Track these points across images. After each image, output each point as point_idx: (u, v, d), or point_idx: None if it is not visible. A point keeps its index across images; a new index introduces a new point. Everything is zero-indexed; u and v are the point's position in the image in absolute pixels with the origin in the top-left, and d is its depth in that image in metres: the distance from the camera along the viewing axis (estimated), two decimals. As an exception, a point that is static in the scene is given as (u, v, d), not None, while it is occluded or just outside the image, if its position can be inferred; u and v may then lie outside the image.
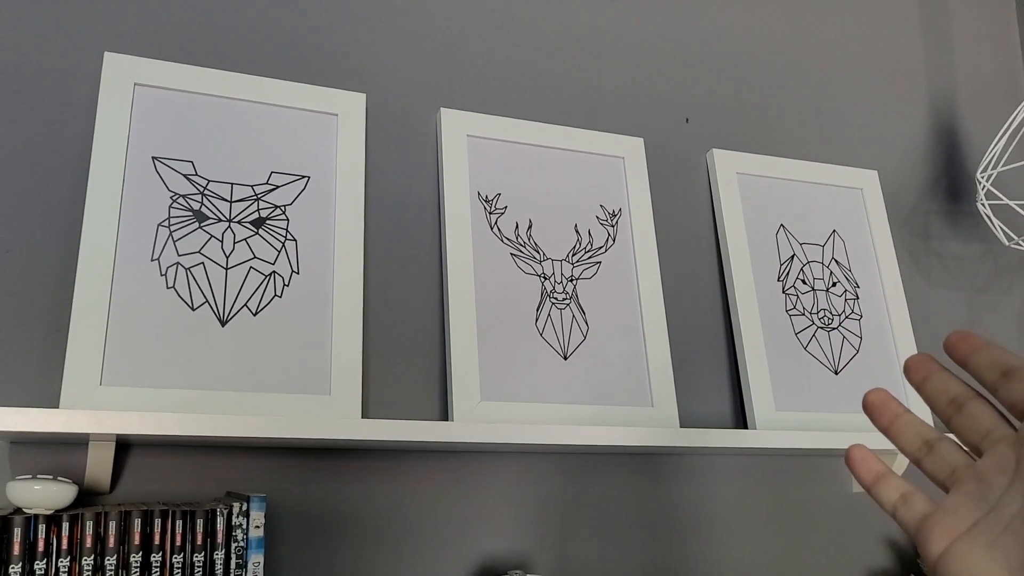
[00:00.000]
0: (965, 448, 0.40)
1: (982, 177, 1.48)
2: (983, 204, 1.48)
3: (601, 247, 1.30)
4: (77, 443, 1.02)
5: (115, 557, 0.86)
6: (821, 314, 1.42)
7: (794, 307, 1.41)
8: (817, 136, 1.58)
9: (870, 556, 1.40)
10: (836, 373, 1.39)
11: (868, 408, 0.42)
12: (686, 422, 1.32)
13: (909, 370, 0.42)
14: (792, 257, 1.44)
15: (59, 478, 0.89)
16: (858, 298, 1.46)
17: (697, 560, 1.29)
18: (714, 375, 1.37)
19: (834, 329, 1.42)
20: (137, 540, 0.87)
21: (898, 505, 0.40)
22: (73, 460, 1.02)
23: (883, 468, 0.42)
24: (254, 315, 1.09)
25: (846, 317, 1.44)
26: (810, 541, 1.37)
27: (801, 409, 1.34)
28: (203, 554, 0.90)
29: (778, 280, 1.41)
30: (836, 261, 1.47)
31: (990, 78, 1.79)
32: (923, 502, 0.40)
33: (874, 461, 0.42)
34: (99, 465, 0.98)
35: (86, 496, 1.02)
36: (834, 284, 1.45)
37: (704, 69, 1.53)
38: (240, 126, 1.16)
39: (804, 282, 1.43)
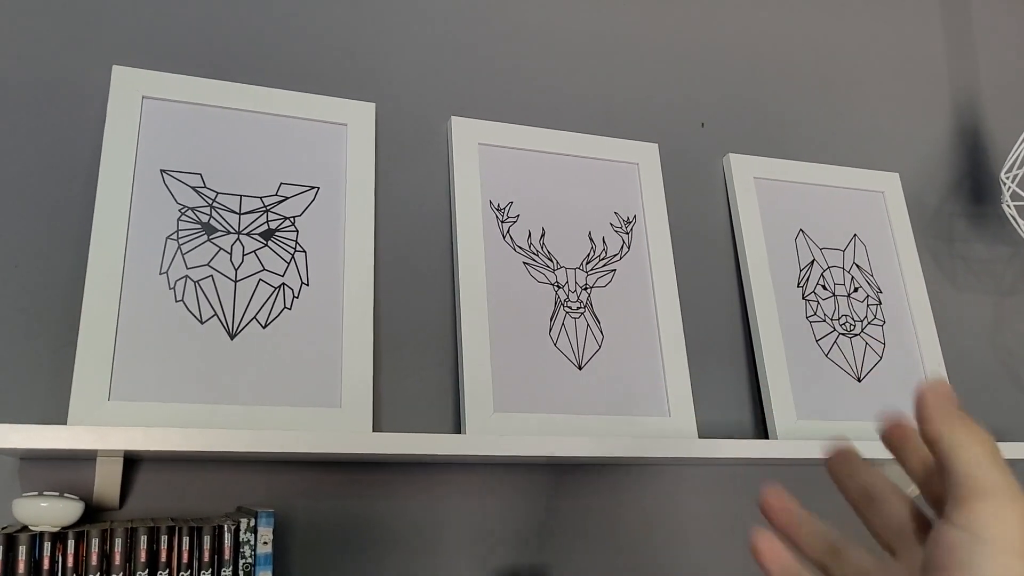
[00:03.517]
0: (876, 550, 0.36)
1: (1007, 178, 1.44)
2: (1008, 205, 1.44)
3: (616, 255, 1.28)
4: (85, 459, 1.01)
5: (121, 575, 0.85)
6: (843, 320, 1.39)
7: (814, 313, 1.38)
8: (836, 139, 1.55)
9: (897, 568, 1.36)
10: (859, 380, 1.36)
11: (764, 511, 0.39)
12: (704, 432, 1.29)
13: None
14: (812, 262, 1.41)
15: (65, 495, 0.88)
16: (881, 303, 1.43)
17: (719, 572, 1.26)
18: (733, 384, 1.34)
19: (856, 335, 1.39)
20: (143, 557, 0.86)
21: None
22: (82, 475, 1.01)
23: (796, 568, 0.37)
24: (263, 328, 1.08)
25: (868, 323, 1.40)
26: (835, 553, 1.33)
27: (823, 418, 1.31)
28: (210, 571, 0.88)
29: (798, 286, 1.38)
30: (857, 266, 1.44)
31: (1013, 76, 1.76)
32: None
33: (786, 557, 0.37)
34: (108, 481, 0.97)
35: (96, 512, 1.01)
36: (856, 289, 1.42)
37: (719, 72, 1.50)
38: (248, 137, 1.15)
39: (825, 288, 1.40)
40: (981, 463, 0.29)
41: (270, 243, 1.12)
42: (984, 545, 0.28)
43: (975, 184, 1.65)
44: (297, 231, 1.13)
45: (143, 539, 0.87)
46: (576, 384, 1.19)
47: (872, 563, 0.35)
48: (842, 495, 0.38)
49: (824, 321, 1.38)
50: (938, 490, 0.34)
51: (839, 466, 0.38)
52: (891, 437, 0.36)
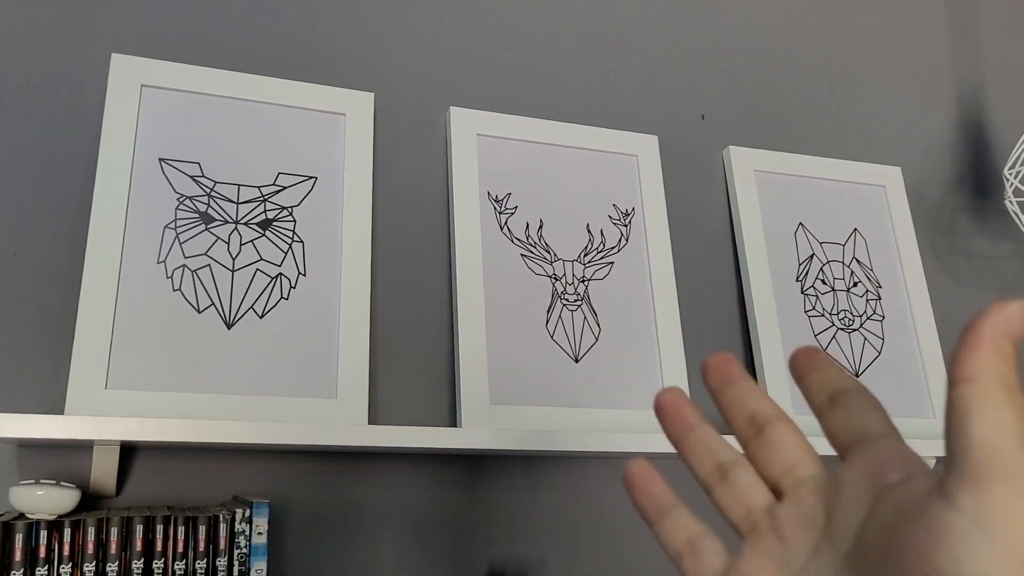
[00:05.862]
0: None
1: (1010, 174, 1.43)
2: (1011, 201, 1.44)
3: (614, 247, 1.28)
4: (83, 447, 1.02)
5: (117, 563, 0.86)
6: (841, 315, 1.39)
7: (813, 308, 1.37)
8: (837, 132, 1.55)
9: (891, 563, 1.36)
10: (857, 376, 1.36)
11: (658, 411, 0.34)
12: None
13: (706, 372, 0.34)
14: (811, 256, 1.41)
15: (62, 483, 0.88)
16: (880, 299, 1.42)
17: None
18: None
19: (855, 331, 1.39)
20: (139, 546, 0.87)
21: (683, 553, 0.32)
22: (80, 463, 1.02)
23: (670, 499, 0.33)
24: (260, 318, 1.08)
25: (867, 318, 1.40)
26: (829, 547, 1.33)
27: (820, 412, 1.31)
28: (206, 560, 0.89)
29: (797, 280, 1.38)
30: (857, 260, 1.43)
31: (1018, 70, 1.74)
32: (715, 555, 0.31)
33: (658, 486, 0.33)
34: (104, 469, 0.98)
35: (92, 500, 1.02)
36: (855, 284, 1.42)
37: (720, 64, 1.50)
38: (247, 127, 1.15)
39: (824, 282, 1.40)
40: (1009, 436, 0.22)
41: (268, 233, 1.12)
42: (988, 539, 0.22)
43: (978, 179, 1.64)
44: (295, 221, 1.13)
45: (139, 528, 0.87)
46: (573, 377, 1.19)
47: (761, 497, 0.31)
48: (724, 420, 0.33)
49: (823, 316, 1.38)
50: (839, 426, 0.29)
51: (720, 384, 0.33)
52: (799, 361, 0.32)
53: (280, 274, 1.11)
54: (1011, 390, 0.23)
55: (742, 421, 0.32)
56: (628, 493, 0.33)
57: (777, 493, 0.31)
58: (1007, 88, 1.72)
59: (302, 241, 1.13)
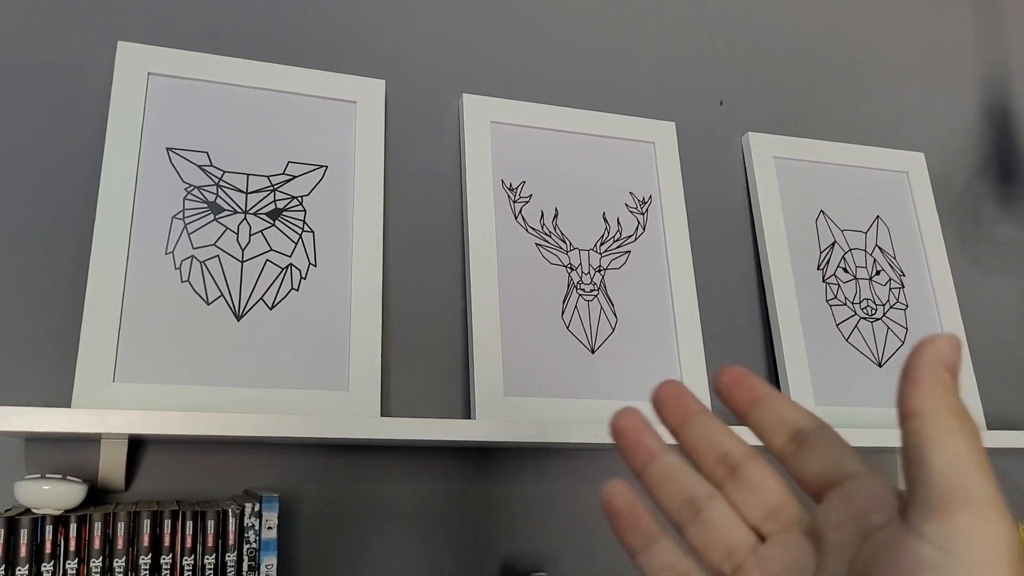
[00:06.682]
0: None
1: (1037, 158, 1.39)
2: (1038, 186, 1.40)
3: (630, 236, 1.25)
4: (90, 440, 1.00)
5: (124, 559, 0.84)
6: (864, 304, 1.35)
7: (835, 297, 1.34)
8: (859, 117, 1.51)
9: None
10: (880, 365, 1.33)
11: (615, 438, 0.32)
12: (720, 418, 1.26)
13: (659, 406, 0.31)
14: (833, 244, 1.37)
15: (68, 477, 0.86)
16: (903, 287, 1.39)
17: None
18: (750, 368, 1.31)
19: (878, 319, 1.35)
20: (146, 541, 0.85)
21: None
22: (88, 457, 1.00)
23: (656, 531, 0.31)
24: (270, 309, 1.06)
25: (890, 307, 1.37)
26: (853, 542, 1.30)
27: (842, 404, 1.28)
28: (215, 556, 0.87)
29: (818, 269, 1.35)
30: (880, 248, 1.40)
31: (1045, 54, 1.70)
32: None
33: (645, 519, 0.31)
34: (112, 463, 0.96)
35: (101, 494, 1.00)
36: (878, 272, 1.38)
37: (738, 48, 1.46)
38: (256, 115, 1.13)
39: (846, 271, 1.37)
40: (966, 463, 0.23)
41: (277, 223, 1.10)
42: (958, 567, 0.22)
43: (1003, 164, 1.60)
44: (305, 211, 1.11)
45: (146, 523, 0.85)
46: (589, 368, 1.16)
47: (741, 537, 0.29)
48: (688, 457, 0.31)
49: (845, 305, 1.34)
50: (811, 469, 0.28)
51: (678, 421, 0.31)
52: (730, 388, 0.30)
53: (290, 265, 1.09)
54: (961, 418, 0.24)
55: (712, 460, 0.31)
56: (610, 522, 0.31)
57: (757, 534, 0.30)
58: (1033, 71, 1.67)
59: (312, 231, 1.11)
